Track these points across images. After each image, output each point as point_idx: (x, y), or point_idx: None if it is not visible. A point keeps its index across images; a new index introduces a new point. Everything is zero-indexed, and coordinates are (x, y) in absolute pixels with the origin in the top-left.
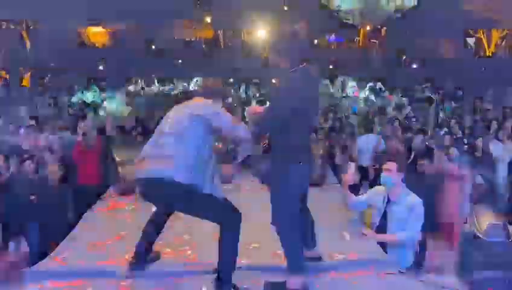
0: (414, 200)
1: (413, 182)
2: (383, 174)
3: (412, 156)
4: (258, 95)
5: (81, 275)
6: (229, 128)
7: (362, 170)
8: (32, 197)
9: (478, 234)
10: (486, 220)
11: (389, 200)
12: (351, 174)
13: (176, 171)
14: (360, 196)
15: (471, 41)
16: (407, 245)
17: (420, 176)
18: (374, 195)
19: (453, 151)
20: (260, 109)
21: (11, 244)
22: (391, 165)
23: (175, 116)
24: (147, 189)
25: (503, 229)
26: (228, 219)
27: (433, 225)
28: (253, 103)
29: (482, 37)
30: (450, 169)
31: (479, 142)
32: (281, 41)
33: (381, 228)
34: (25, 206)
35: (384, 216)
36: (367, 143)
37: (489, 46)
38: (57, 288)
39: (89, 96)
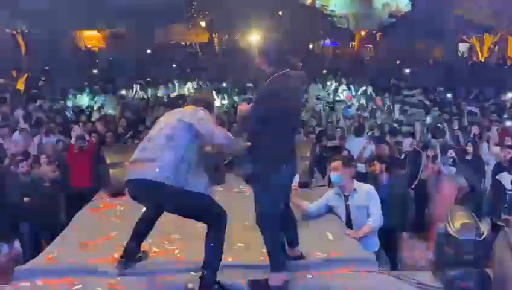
0: (366, 187)
1: (404, 184)
2: (332, 174)
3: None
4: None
5: (71, 273)
6: (209, 135)
7: None
8: (26, 198)
9: (451, 233)
10: (460, 220)
11: (346, 197)
12: (294, 185)
13: (164, 173)
14: (316, 202)
15: (464, 46)
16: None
17: (410, 179)
18: (331, 196)
19: (442, 154)
20: (247, 107)
21: (4, 245)
22: (336, 164)
23: (165, 122)
24: (136, 190)
25: (475, 228)
26: (214, 219)
27: (419, 225)
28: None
29: (475, 42)
30: (438, 172)
31: (469, 146)
32: (261, 44)
33: (348, 223)
34: (18, 207)
35: (347, 211)
36: (356, 146)
37: (481, 51)
38: (47, 285)
39: (83, 100)
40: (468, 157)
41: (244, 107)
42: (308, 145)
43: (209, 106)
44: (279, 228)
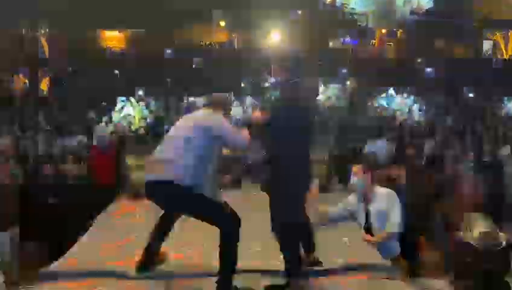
0: (387, 191)
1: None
2: (353, 178)
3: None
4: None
5: (92, 275)
6: (228, 137)
7: None
8: (51, 199)
9: (470, 241)
10: (478, 228)
11: (366, 201)
12: (315, 190)
13: (180, 175)
14: (337, 206)
15: (488, 44)
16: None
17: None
18: (351, 200)
19: (463, 157)
20: (262, 115)
21: (29, 245)
22: (357, 168)
23: (182, 125)
24: (153, 191)
25: (494, 236)
26: (227, 223)
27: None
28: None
29: (499, 39)
30: (457, 173)
31: (489, 148)
32: (282, 55)
33: (368, 228)
34: (43, 207)
35: (367, 216)
36: (376, 149)
37: (506, 49)
38: (67, 287)
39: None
40: (488, 159)
41: (258, 115)
42: (326, 149)
43: (225, 107)
44: (296, 235)
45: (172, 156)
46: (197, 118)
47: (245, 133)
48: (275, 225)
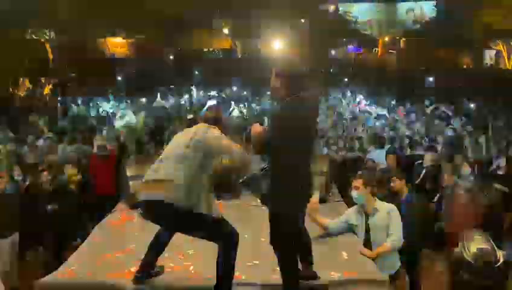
0: (388, 206)
1: (424, 200)
2: (353, 192)
3: (423, 174)
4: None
5: (90, 287)
6: (226, 153)
7: None
8: (50, 207)
9: (467, 258)
10: (476, 244)
11: (367, 215)
12: (315, 202)
13: (175, 194)
14: (337, 219)
15: (491, 53)
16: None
17: (431, 194)
18: (351, 214)
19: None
20: (261, 128)
21: (29, 254)
22: (358, 182)
23: (178, 141)
24: (148, 211)
25: (492, 253)
26: (225, 239)
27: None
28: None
29: (502, 48)
30: (455, 184)
31: (491, 159)
32: (278, 66)
33: (367, 242)
34: (42, 215)
35: (366, 231)
36: (377, 159)
37: (509, 58)
38: None
39: (106, 107)
40: (501, 172)
41: (257, 129)
42: (325, 160)
43: (220, 122)
44: (294, 248)
45: (167, 174)
46: (191, 134)
47: (240, 149)
48: (273, 238)
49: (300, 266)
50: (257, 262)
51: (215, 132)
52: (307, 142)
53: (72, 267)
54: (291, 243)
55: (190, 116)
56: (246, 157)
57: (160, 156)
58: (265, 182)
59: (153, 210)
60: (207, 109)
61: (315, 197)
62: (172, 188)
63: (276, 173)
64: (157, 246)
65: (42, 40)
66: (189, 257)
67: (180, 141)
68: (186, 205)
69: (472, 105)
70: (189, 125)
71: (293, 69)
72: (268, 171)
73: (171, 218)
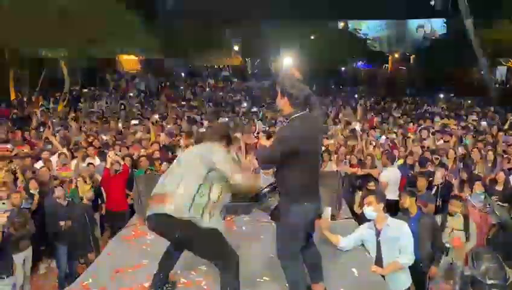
0: (399, 223)
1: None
2: (365, 208)
3: (434, 191)
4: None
5: None
6: (227, 176)
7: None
8: (62, 223)
9: (476, 276)
10: (485, 262)
11: (378, 232)
12: (326, 219)
13: (179, 208)
14: (349, 236)
15: (502, 69)
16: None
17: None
18: (364, 230)
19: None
20: (266, 142)
21: (41, 267)
22: (370, 198)
23: (183, 158)
24: (154, 225)
25: (500, 272)
26: (223, 260)
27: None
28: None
29: None
30: (465, 201)
31: (501, 176)
32: (284, 84)
33: (379, 259)
34: (55, 229)
35: (378, 247)
36: (388, 176)
37: None
38: None
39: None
40: (499, 188)
41: (264, 143)
42: (336, 176)
43: (226, 139)
44: (300, 264)
45: (172, 190)
46: (196, 150)
47: (246, 168)
48: (279, 253)
49: (310, 282)
50: (267, 278)
51: (219, 148)
52: (313, 159)
53: (86, 282)
54: (296, 259)
55: (202, 130)
56: (248, 177)
57: (167, 171)
58: (274, 198)
59: (156, 223)
60: (213, 126)
61: (326, 214)
62: (174, 202)
63: (281, 189)
64: (168, 262)
65: (57, 57)
66: (202, 273)
67: (185, 157)
68: (189, 219)
69: (484, 123)
70: (198, 141)
71: (297, 87)
72: (276, 188)
73: (174, 231)
